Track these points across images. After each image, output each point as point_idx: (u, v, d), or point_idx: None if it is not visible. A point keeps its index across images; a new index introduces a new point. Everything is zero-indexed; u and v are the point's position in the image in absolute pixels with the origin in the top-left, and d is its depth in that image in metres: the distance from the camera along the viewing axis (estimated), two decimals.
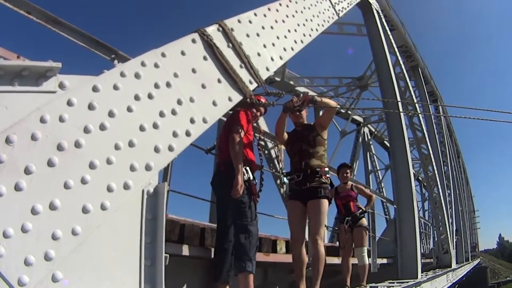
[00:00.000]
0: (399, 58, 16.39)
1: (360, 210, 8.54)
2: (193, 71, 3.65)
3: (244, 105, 4.68)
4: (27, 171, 2.30)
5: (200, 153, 6.01)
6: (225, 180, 4.83)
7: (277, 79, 18.81)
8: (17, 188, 2.24)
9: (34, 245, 2.24)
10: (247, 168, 4.93)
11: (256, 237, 4.84)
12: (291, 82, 20.26)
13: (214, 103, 3.74)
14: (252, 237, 4.72)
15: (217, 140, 5.92)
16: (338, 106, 22.83)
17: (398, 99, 13.16)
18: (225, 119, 5.27)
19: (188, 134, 3.36)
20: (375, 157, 30.47)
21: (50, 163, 2.41)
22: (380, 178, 31.59)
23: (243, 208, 4.79)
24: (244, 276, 4.60)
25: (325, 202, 5.68)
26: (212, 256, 5.18)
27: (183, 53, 3.64)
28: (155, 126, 3.10)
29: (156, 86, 3.24)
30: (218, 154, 5.55)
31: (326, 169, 5.90)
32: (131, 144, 2.88)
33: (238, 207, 4.79)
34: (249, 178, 4.90)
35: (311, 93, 19.22)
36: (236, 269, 4.70)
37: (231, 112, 4.90)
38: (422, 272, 11.97)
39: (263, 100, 5.04)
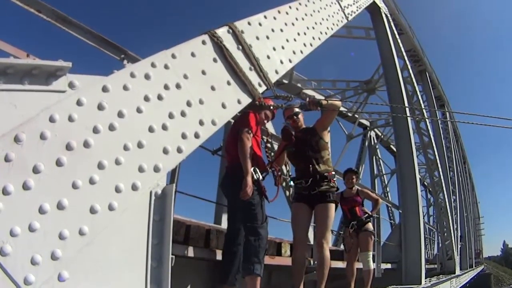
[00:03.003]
0: (407, 62, 16.38)
1: (366, 215, 8.53)
2: (203, 72, 3.64)
3: (252, 108, 4.67)
4: (35, 170, 2.30)
5: (205, 154, 6.00)
6: (234, 182, 4.81)
7: (285, 81, 18.83)
8: (25, 187, 2.24)
9: (41, 244, 2.23)
10: (256, 168, 4.90)
11: (266, 240, 4.82)
12: (299, 85, 20.25)
13: (223, 105, 3.73)
14: (262, 240, 4.69)
15: (224, 141, 5.90)
16: (344, 109, 22.91)
17: (406, 103, 13.12)
18: (232, 121, 5.25)
19: (197, 136, 3.35)
20: (381, 161, 30.42)
21: (59, 163, 2.41)
22: (386, 182, 31.56)
23: (253, 210, 4.75)
24: (251, 278, 4.58)
25: (332, 206, 5.72)
26: (219, 258, 5.17)
27: (193, 54, 3.64)
28: (164, 127, 3.10)
29: (166, 87, 3.24)
30: (225, 156, 5.52)
31: (333, 173, 5.94)
32: (140, 145, 2.87)
33: (248, 209, 4.76)
34: (258, 178, 4.87)
35: (317, 96, 19.23)
36: (244, 271, 4.67)
37: (239, 114, 4.87)
38: (426, 278, 11.96)
39: (271, 103, 5.02)
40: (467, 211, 32.88)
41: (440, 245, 20.49)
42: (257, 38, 4.52)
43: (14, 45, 4.53)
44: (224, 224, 9.77)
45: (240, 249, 4.82)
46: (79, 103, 2.62)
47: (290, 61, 4.99)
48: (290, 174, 6.10)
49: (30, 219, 2.22)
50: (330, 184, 5.78)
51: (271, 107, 5.00)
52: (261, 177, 4.99)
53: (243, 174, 4.65)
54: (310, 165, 5.70)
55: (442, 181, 18.67)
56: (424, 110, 17.69)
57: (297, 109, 5.78)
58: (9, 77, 2.34)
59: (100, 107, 2.74)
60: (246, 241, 4.72)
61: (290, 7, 5.36)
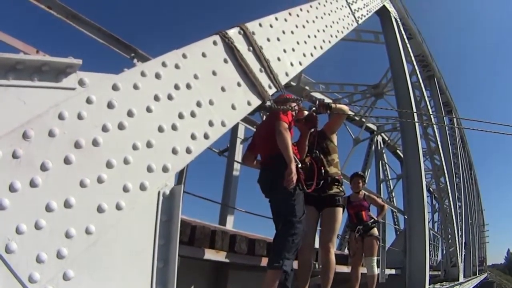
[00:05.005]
0: (416, 67, 16.34)
1: (372, 220, 8.52)
2: (214, 73, 3.63)
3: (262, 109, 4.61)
4: (43, 168, 2.29)
5: (210, 154, 5.98)
6: (272, 174, 4.81)
7: (293, 83, 18.77)
8: (33, 184, 2.23)
9: (46, 242, 2.22)
10: (295, 157, 4.78)
11: (300, 236, 4.68)
12: (307, 87, 20.20)
13: (233, 107, 3.71)
14: (297, 236, 4.56)
15: (230, 141, 5.85)
16: (352, 113, 22.87)
17: (414, 108, 13.08)
18: (242, 123, 5.21)
19: (206, 136, 3.33)
20: (387, 166, 30.35)
21: (67, 161, 2.40)
22: (392, 187, 31.49)
23: (293, 201, 4.67)
24: (275, 273, 4.43)
25: (341, 210, 5.77)
26: (224, 259, 5.13)
27: (204, 55, 3.62)
28: (173, 127, 3.08)
29: (176, 87, 3.22)
30: (261, 154, 5.42)
31: (341, 177, 5.94)
32: (149, 145, 2.86)
33: (288, 200, 4.67)
34: (297, 165, 4.74)
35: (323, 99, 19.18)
36: (271, 264, 4.51)
37: (248, 115, 4.82)
38: (429, 284, 11.90)
39: (294, 104, 4.97)
40: (472, 218, 32.82)
41: (444, 251, 20.50)
42: (268, 39, 4.50)
43: (24, 41, 4.53)
44: (229, 225, 9.78)
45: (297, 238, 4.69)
46: (88, 101, 2.61)
47: (300, 63, 4.97)
48: None
49: (37, 217, 2.20)
50: (340, 188, 5.79)
51: (289, 109, 4.92)
52: (300, 165, 4.92)
53: (278, 164, 4.61)
54: (322, 167, 5.69)
55: (448, 187, 18.63)
56: (431, 116, 17.64)
57: (306, 112, 5.72)
58: (19, 73, 2.33)
59: (110, 106, 2.73)
60: (281, 234, 4.61)
61: (301, 9, 5.34)
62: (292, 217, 4.61)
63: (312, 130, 5.66)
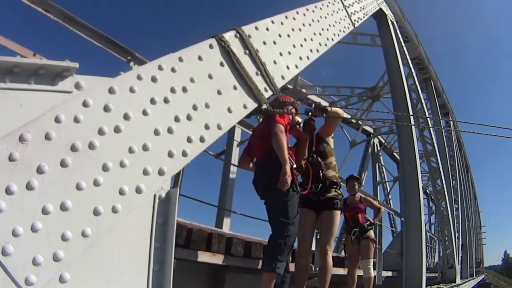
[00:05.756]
0: (412, 70, 16.33)
1: (368, 222, 8.52)
2: (210, 76, 3.63)
3: (258, 113, 4.63)
4: (39, 171, 2.30)
5: (206, 157, 5.98)
6: (267, 174, 4.80)
7: (290, 86, 18.71)
8: (29, 187, 2.24)
9: (43, 245, 2.23)
10: (290, 157, 4.79)
11: (294, 238, 4.69)
12: (303, 90, 20.16)
13: (229, 110, 3.72)
14: (289, 238, 4.55)
15: (227, 144, 5.84)
16: (348, 116, 22.87)
17: (410, 111, 13.09)
18: (239, 126, 5.21)
19: (202, 140, 3.34)
20: (383, 168, 30.33)
21: (63, 164, 2.41)
22: (388, 190, 31.45)
23: (286, 203, 4.64)
24: (269, 275, 4.45)
25: (339, 213, 5.77)
26: (220, 262, 5.13)
27: (200, 58, 3.62)
28: (169, 130, 3.09)
29: (172, 90, 3.23)
30: (256, 155, 5.40)
31: (339, 180, 5.94)
32: (145, 148, 2.87)
33: (281, 201, 4.65)
34: (291, 166, 4.76)
35: (319, 102, 19.14)
36: (264, 267, 4.55)
37: (244, 119, 4.81)
38: (426, 286, 11.90)
39: (290, 107, 5.01)
40: (469, 220, 32.84)
41: (441, 253, 20.50)
42: (264, 43, 4.50)
43: (21, 44, 4.54)
44: (225, 228, 9.78)
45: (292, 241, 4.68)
46: (85, 104, 2.62)
47: (296, 66, 4.97)
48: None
49: (33, 220, 2.21)
50: (338, 191, 5.79)
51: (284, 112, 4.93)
52: (294, 165, 4.94)
53: (273, 163, 4.60)
54: (320, 171, 5.69)
55: (445, 189, 18.60)
56: (428, 119, 17.64)
57: (299, 119, 5.69)
58: (16, 76, 2.34)
59: (106, 109, 2.74)
60: (273, 237, 4.60)
61: (297, 12, 5.34)
62: (284, 218, 4.60)
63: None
